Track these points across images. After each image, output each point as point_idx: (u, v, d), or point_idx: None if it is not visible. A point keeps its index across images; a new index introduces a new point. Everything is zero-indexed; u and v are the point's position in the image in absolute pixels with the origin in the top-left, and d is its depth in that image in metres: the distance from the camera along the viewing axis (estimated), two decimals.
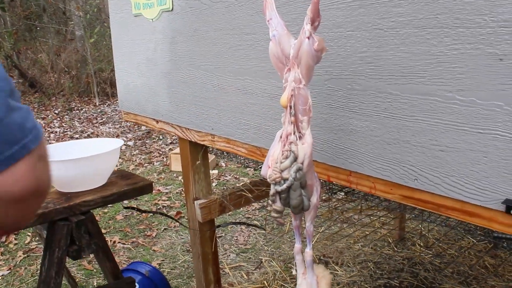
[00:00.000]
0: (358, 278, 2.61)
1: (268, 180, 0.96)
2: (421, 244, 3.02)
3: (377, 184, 1.08)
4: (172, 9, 1.64)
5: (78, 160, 1.51)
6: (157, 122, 1.96)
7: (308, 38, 0.87)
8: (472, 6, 0.82)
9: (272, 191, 0.96)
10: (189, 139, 1.81)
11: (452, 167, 0.91)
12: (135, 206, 3.63)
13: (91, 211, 1.61)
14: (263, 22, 1.17)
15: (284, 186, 0.93)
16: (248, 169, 4.95)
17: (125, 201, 3.00)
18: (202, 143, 1.72)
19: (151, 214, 3.80)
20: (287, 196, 0.95)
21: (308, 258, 1.10)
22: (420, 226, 3.15)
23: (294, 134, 0.96)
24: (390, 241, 3.08)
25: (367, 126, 1.05)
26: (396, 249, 2.97)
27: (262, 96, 1.33)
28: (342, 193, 2.11)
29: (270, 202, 0.99)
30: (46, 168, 0.60)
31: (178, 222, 2.99)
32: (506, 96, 0.80)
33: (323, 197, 2.38)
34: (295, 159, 0.95)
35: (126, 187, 1.66)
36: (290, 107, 0.95)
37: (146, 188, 1.72)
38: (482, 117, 0.84)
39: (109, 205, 3.99)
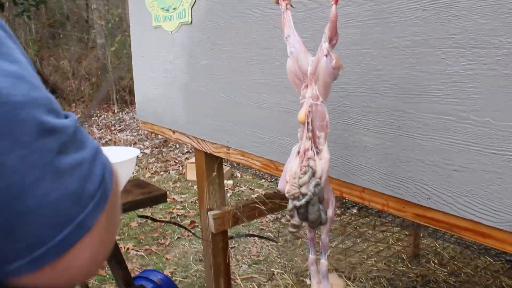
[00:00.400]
0: None
1: (286, 195, 0.96)
2: (436, 261, 2.98)
3: (390, 202, 1.08)
4: (191, 22, 1.67)
5: None
6: (174, 132, 1.98)
7: (326, 56, 0.88)
8: (488, 27, 0.82)
9: (290, 206, 0.97)
10: (204, 151, 1.82)
11: (465, 187, 0.91)
12: (149, 215, 3.66)
13: None
14: (280, 38, 1.18)
15: (303, 201, 0.93)
16: (263, 180, 4.96)
17: (140, 209, 3.03)
18: (217, 155, 1.74)
19: (164, 223, 3.83)
20: (306, 211, 0.95)
21: (323, 268, 1.11)
22: (435, 243, 3.12)
23: (311, 149, 0.97)
24: (404, 258, 3.04)
25: (381, 144, 1.05)
26: (410, 265, 2.93)
27: (277, 110, 1.35)
28: (355, 210, 2.10)
29: (288, 217, 0.99)
30: (111, 237, 0.45)
31: (190, 232, 3.00)
32: None
33: (337, 212, 2.37)
34: (313, 174, 0.95)
35: (140, 196, 1.68)
36: (308, 123, 0.96)
37: (161, 197, 1.74)
38: (496, 138, 0.84)
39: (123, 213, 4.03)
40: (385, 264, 2.96)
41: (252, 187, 4.88)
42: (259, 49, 1.38)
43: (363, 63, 1.05)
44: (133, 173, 5.40)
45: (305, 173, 0.93)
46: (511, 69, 0.80)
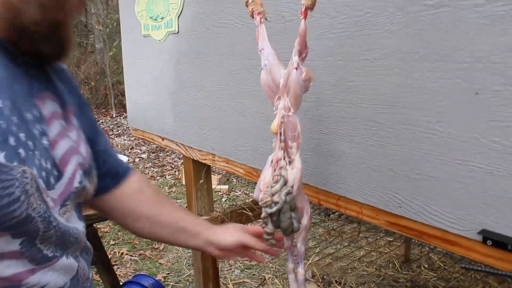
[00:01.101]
0: None
1: (259, 203, 0.99)
2: (426, 266, 3.00)
3: (364, 210, 1.11)
4: (178, 32, 1.70)
5: None
6: (163, 139, 2.01)
7: (296, 68, 0.91)
8: (450, 42, 0.85)
9: (263, 214, 0.99)
10: (192, 158, 1.85)
11: (433, 196, 0.94)
12: None
13: (94, 225, 1.66)
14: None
15: (275, 208, 0.96)
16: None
17: None
18: (204, 162, 1.77)
19: None
20: (278, 218, 0.98)
21: (300, 277, 1.13)
22: (427, 248, 3.13)
23: (284, 159, 1.00)
24: (396, 263, 3.06)
25: (355, 153, 1.08)
26: (400, 270, 2.95)
27: (258, 119, 1.37)
28: (335, 215, 2.13)
29: (262, 224, 1.02)
30: None
31: None
32: (482, 129, 0.83)
33: (321, 218, 2.40)
34: (285, 183, 0.98)
35: None
36: (280, 133, 0.99)
37: None
38: (460, 149, 0.87)
39: None
40: (375, 269, 2.98)
41: (247, 192, 4.90)
42: (242, 59, 1.41)
43: (337, 74, 1.08)
44: None
45: (277, 182, 0.96)
46: (471, 83, 0.82)
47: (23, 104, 0.67)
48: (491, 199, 0.84)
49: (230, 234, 1.07)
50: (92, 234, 1.63)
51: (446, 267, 3.01)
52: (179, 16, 1.67)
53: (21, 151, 0.63)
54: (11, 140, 0.62)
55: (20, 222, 0.62)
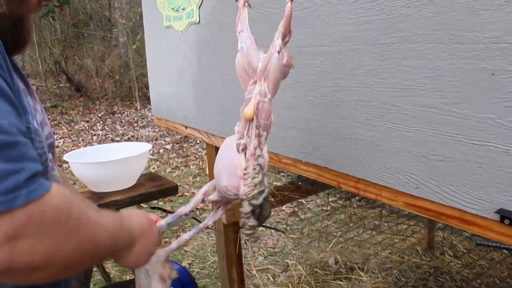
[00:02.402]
0: (382, 284, 2.62)
1: (244, 197, 0.92)
2: (451, 254, 2.99)
3: (383, 192, 1.13)
4: (199, 22, 1.73)
5: (109, 162, 1.62)
6: (186, 128, 2.06)
7: (278, 52, 0.88)
8: (466, 23, 0.86)
9: (248, 208, 0.93)
10: (215, 145, 1.89)
11: (450, 176, 0.95)
12: (167, 209, 3.76)
13: (120, 210, 1.72)
14: None
15: (260, 199, 0.91)
16: (281, 174, 5.01)
17: (154, 201, 3.13)
18: None
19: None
20: (260, 209, 0.93)
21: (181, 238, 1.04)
22: (451, 236, 3.12)
23: (259, 147, 0.93)
24: (419, 250, 3.06)
25: (372, 136, 1.10)
26: (423, 257, 2.95)
27: (278, 106, 1.40)
28: (356, 199, 2.15)
29: (244, 220, 0.95)
30: (33, 246, 0.57)
31: (200, 222, 3.08)
32: (497, 110, 0.84)
33: (342, 203, 2.42)
34: (263, 171, 0.93)
35: (153, 188, 1.76)
36: (255, 120, 0.92)
37: (171, 190, 1.82)
38: (476, 129, 0.88)
39: (142, 205, 4.15)
40: (398, 255, 2.98)
41: (270, 181, 4.93)
42: (262, 47, 1.43)
43: (354, 59, 1.10)
44: (153, 168, 5.53)
45: (258, 172, 0.91)
46: (487, 63, 0.83)
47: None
48: (508, 179, 0.85)
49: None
50: None
51: (471, 254, 2.99)
52: (200, 6, 1.70)
53: (35, 119, 0.76)
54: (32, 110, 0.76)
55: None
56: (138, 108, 9.83)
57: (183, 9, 1.83)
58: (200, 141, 6.75)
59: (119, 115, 9.30)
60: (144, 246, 0.89)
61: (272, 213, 3.86)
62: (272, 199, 2.04)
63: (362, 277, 2.71)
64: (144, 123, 8.50)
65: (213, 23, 1.65)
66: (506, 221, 0.87)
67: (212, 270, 3.08)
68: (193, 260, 3.23)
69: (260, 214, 0.93)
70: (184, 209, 1.05)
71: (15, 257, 0.56)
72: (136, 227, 0.87)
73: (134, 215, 0.89)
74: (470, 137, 0.89)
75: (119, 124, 8.44)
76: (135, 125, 8.37)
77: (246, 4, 0.95)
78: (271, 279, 2.85)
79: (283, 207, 4.00)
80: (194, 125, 1.97)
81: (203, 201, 1.05)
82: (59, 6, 7.98)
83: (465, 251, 3.02)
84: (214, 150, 1.98)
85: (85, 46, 12.06)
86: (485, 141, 0.87)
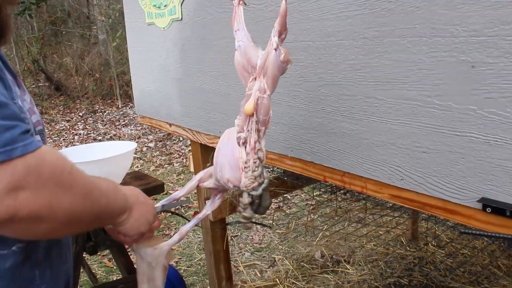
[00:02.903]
0: (368, 276, 2.66)
1: (244, 188, 0.96)
2: (434, 244, 3.04)
3: (368, 184, 1.14)
4: (181, 19, 1.73)
5: (94, 162, 1.61)
6: (170, 125, 2.05)
7: (275, 49, 0.90)
8: (446, 17, 0.87)
9: (247, 199, 0.97)
10: (199, 142, 1.89)
11: (433, 167, 0.97)
12: None
13: None
14: (264, 31, 1.25)
15: (260, 189, 0.95)
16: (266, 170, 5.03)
17: None
18: (211, 145, 1.81)
19: (170, 213, 3.91)
20: (260, 200, 0.97)
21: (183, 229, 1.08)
22: (434, 227, 3.18)
23: (258, 141, 0.96)
24: (403, 241, 3.11)
25: (357, 129, 1.12)
26: (408, 248, 3.00)
27: None
28: (341, 193, 2.17)
29: (240, 210, 1.00)
30: (32, 196, 0.62)
31: (188, 220, 3.07)
32: (478, 101, 0.86)
33: (327, 197, 2.44)
34: (262, 164, 0.97)
35: (139, 187, 1.75)
36: (255, 115, 0.95)
37: (158, 188, 1.81)
38: (458, 120, 0.90)
39: None
40: (383, 247, 3.03)
41: None
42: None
43: (337, 54, 1.11)
44: (137, 167, 5.49)
45: (258, 165, 0.95)
46: (467, 55, 0.85)
47: None
48: (489, 168, 0.87)
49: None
50: None
51: (453, 243, 3.05)
52: (182, 3, 1.70)
53: (23, 104, 0.79)
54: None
55: None
56: (120, 106, 9.73)
57: (165, 6, 1.82)
58: (184, 139, 6.72)
59: (101, 113, 9.20)
60: (142, 213, 0.91)
61: None
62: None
63: (349, 269, 2.74)
64: (126, 121, 8.43)
65: (196, 20, 1.65)
66: (488, 210, 0.89)
67: (199, 267, 3.08)
68: (179, 258, 3.23)
69: (259, 204, 0.97)
70: (179, 193, 1.10)
71: (18, 206, 0.60)
72: (131, 194, 0.89)
73: (128, 187, 0.92)
74: (452, 129, 0.91)
75: (100, 123, 8.35)
76: (117, 123, 8.29)
77: (241, 2, 0.96)
78: (259, 275, 2.87)
79: None
80: (179, 123, 1.97)
81: (197, 187, 1.08)
82: (36, 3, 7.84)
83: (448, 241, 3.08)
84: (199, 147, 1.98)
85: (63, 44, 11.88)
86: (467, 132, 0.89)
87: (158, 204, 1.05)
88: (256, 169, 0.94)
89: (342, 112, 1.14)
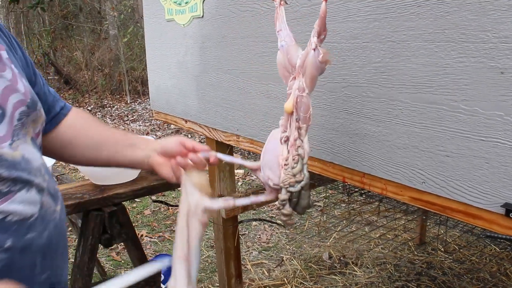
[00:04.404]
0: (376, 279, 2.66)
1: (281, 184, 0.97)
2: (442, 249, 3.05)
3: (388, 186, 1.15)
4: (202, 16, 1.74)
5: None
6: (186, 122, 2.07)
7: (314, 50, 0.92)
8: (476, 23, 0.88)
9: (284, 196, 0.98)
10: (215, 139, 1.91)
11: (456, 171, 0.98)
12: (163, 201, 3.77)
13: (123, 203, 1.73)
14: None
15: (298, 187, 0.96)
16: None
17: (153, 197, 3.13)
18: (227, 143, 1.82)
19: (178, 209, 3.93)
20: (298, 198, 0.98)
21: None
22: (443, 232, 3.18)
23: (299, 138, 0.98)
24: (411, 245, 3.11)
25: (379, 131, 1.12)
26: (416, 253, 3.00)
27: (284, 100, 1.41)
28: (357, 194, 2.18)
29: (279, 206, 1.01)
30: None
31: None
32: (506, 107, 0.86)
33: (341, 199, 2.45)
34: (303, 162, 0.99)
35: (155, 182, 1.77)
36: (295, 113, 0.98)
37: (173, 183, 1.83)
38: (484, 126, 0.91)
39: (137, 200, 4.15)
40: (391, 251, 3.03)
41: None
42: (267, 42, 1.45)
43: (362, 56, 1.12)
44: None
45: (297, 162, 0.97)
46: (496, 62, 0.86)
47: None
48: None
49: (171, 139, 1.08)
50: (122, 212, 1.71)
51: (461, 250, 3.05)
52: (204, 0, 1.71)
53: None
54: None
55: None
56: (128, 102, 9.77)
57: (186, 2, 1.83)
58: (192, 136, 6.74)
59: (109, 108, 9.24)
60: None
61: (267, 207, 3.89)
62: None
63: (356, 272, 2.75)
64: (134, 117, 8.47)
65: (218, 17, 1.66)
66: (511, 215, 0.90)
67: (207, 264, 3.10)
68: None
69: (297, 203, 0.98)
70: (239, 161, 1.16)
71: None
72: None
73: None
74: (478, 134, 0.92)
75: (109, 118, 8.39)
76: (125, 119, 8.33)
77: (282, 2, 0.97)
78: (266, 274, 2.88)
79: None
80: (195, 119, 1.98)
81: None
82: None
83: (457, 247, 3.08)
84: (214, 144, 1.99)
85: (74, 38, 11.94)
86: (493, 137, 0.90)
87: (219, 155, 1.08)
88: (295, 165, 0.95)
89: (365, 114, 1.15)
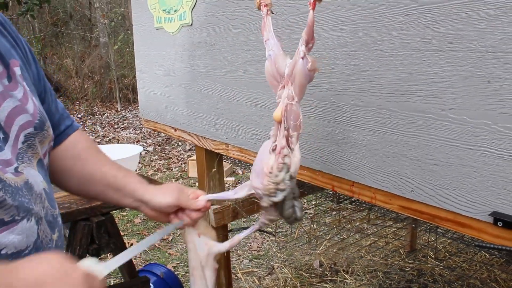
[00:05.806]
0: (367, 287, 2.65)
1: (261, 192, 0.96)
2: (432, 256, 3.05)
3: (377, 195, 1.15)
4: (191, 24, 1.74)
5: None
6: (175, 130, 2.05)
7: (302, 58, 0.91)
8: (463, 32, 0.88)
9: (266, 203, 0.97)
10: (205, 147, 1.89)
11: (445, 180, 0.98)
12: None
13: (111, 212, 1.70)
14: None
15: (281, 196, 0.95)
16: None
17: None
18: (217, 151, 1.81)
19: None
20: (281, 207, 0.97)
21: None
22: (433, 238, 3.19)
23: (287, 147, 0.97)
24: (402, 252, 3.11)
25: (368, 140, 1.12)
26: (407, 260, 3.00)
27: (273, 109, 1.40)
28: (347, 202, 2.18)
29: (263, 212, 1.01)
30: None
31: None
32: (493, 116, 0.86)
33: (331, 206, 2.44)
34: (288, 171, 0.96)
35: None
36: (283, 121, 0.97)
37: None
38: (472, 135, 0.91)
39: (127, 209, 4.10)
40: (382, 258, 3.03)
41: None
42: (256, 50, 1.45)
43: (351, 64, 1.12)
44: (136, 170, 5.49)
45: (281, 170, 0.95)
46: (483, 70, 0.86)
47: None
48: (502, 183, 0.88)
49: (166, 194, 1.00)
50: (110, 222, 1.68)
51: (452, 257, 3.06)
52: (192, 8, 1.70)
53: None
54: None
55: None
56: (119, 109, 9.73)
57: (174, 11, 1.83)
58: (182, 144, 6.71)
59: (99, 116, 9.19)
60: None
61: (258, 215, 3.87)
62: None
63: (347, 279, 2.74)
64: (125, 124, 8.42)
65: (207, 26, 1.66)
66: (499, 223, 0.90)
67: None
68: (177, 263, 3.22)
69: (280, 212, 0.97)
70: (229, 195, 1.13)
71: None
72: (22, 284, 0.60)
73: (28, 266, 0.63)
74: (466, 142, 0.92)
75: (99, 126, 8.34)
76: (116, 126, 8.28)
77: (269, 12, 0.97)
78: (257, 282, 2.86)
79: None
80: (184, 128, 1.97)
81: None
82: (39, 4, 7.85)
83: (447, 254, 3.08)
84: (203, 152, 1.98)
85: (64, 46, 11.88)
86: (480, 146, 0.90)
87: (206, 197, 1.04)
88: (279, 173, 0.94)
89: (354, 122, 1.15)
